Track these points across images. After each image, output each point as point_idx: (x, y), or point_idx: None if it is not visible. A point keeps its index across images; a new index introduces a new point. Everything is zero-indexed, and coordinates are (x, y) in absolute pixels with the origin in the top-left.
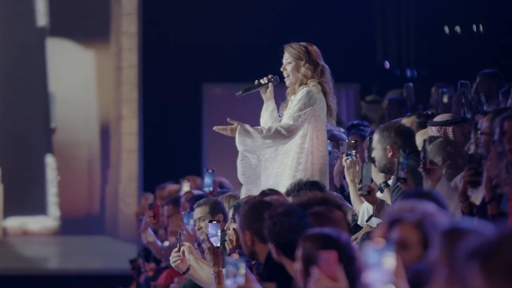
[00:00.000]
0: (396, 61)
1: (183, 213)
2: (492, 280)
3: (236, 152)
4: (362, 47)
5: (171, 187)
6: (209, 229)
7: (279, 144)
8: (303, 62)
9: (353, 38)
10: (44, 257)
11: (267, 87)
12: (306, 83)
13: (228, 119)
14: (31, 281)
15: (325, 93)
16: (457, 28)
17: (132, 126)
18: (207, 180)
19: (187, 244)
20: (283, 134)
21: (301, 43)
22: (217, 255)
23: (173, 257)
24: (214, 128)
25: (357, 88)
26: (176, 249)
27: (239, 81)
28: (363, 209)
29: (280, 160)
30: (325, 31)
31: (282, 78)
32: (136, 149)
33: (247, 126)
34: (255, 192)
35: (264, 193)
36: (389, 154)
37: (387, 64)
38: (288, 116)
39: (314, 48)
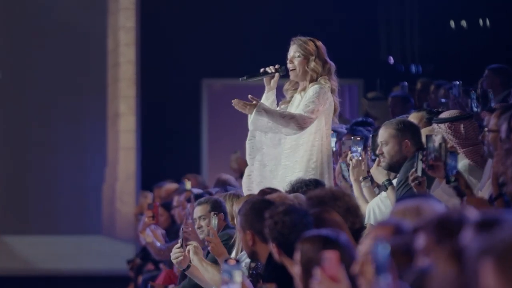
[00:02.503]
0: (400, 56)
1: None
2: (506, 277)
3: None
4: (365, 42)
5: (168, 186)
6: (214, 222)
7: (288, 131)
8: (313, 57)
9: (356, 33)
10: (39, 257)
11: (273, 77)
12: (316, 79)
13: (249, 96)
14: (25, 282)
15: (332, 91)
16: (463, 23)
17: (129, 123)
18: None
19: (194, 243)
20: (298, 123)
21: (309, 37)
22: (224, 252)
23: (175, 253)
24: (233, 102)
25: (361, 84)
26: (178, 245)
27: (239, 77)
28: (369, 209)
29: (288, 155)
30: (327, 25)
31: (287, 70)
32: (134, 147)
33: (266, 106)
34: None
35: (264, 192)
36: (405, 150)
37: (391, 60)
38: (303, 108)
39: (321, 44)
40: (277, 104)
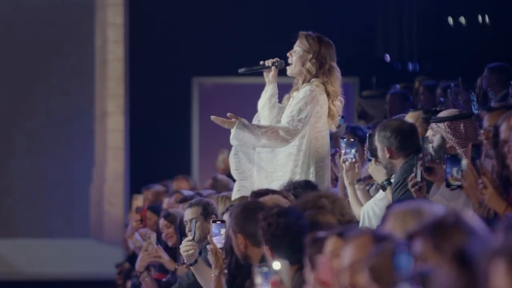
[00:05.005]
0: (397, 54)
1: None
2: None
3: (227, 149)
4: (361, 39)
5: (157, 188)
6: (212, 229)
7: (275, 146)
8: (310, 56)
9: (351, 30)
10: (25, 261)
11: (270, 70)
12: (309, 81)
13: (228, 114)
14: (10, 286)
15: (328, 94)
16: (462, 19)
17: (118, 123)
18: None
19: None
20: (281, 137)
21: (319, 35)
22: (219, 257)
23: (186, 246)
24: (212, 118)
25: (356, 82)
26: (190, 237)
27: (230, 75)
28: (363, 212)
29: (277, 160)
30: (322, 22)
31: (287, 63)
32: (122, 147)
33: (247, 122)
34: (249, 188)
35: (257, 194)
36: (387, 156)
37: (387, 57)
38: (287, 116)
39: (328, 45)
40: (280, 99)
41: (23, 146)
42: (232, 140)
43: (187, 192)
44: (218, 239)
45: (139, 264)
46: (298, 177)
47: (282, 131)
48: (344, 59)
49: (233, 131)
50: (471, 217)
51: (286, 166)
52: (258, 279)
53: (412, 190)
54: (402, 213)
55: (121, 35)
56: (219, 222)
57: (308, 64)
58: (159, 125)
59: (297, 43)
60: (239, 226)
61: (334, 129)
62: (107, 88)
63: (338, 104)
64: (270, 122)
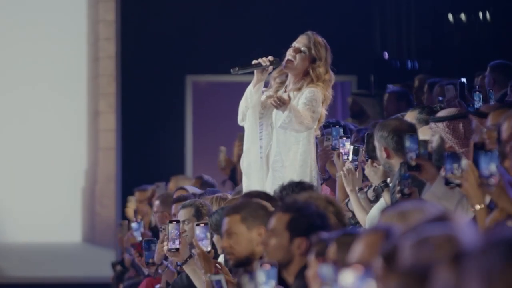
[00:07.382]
0: (396, 51)
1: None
2: None
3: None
4: (358, 36)
5: (153, 187)
6: (196, 232)
7: (299, 129)
8: (321, 62)
9: (349, 27)
10: (15, 264)
11: (266, 69)
12: (313, 84)
13: (284, 91)
14: None
15: (323, 102)
16: (462, 16)
17: (110, 122)
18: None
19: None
20: (307, 122)
21: (322, 38)
22: (209, 261)
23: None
24: (275, 97)
25: (354, 81)
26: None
27: (225, 73)
28: (372, 218)
29: (280, 156)
30: (319, 18)
31: (282, 60)
32: (114, 147)
33: (293, 103)
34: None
35: (250, 195)
36: (384, 156)
37: (386, 55)
38: (302, 107)
39: (329, 50)
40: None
41: (13, 147)
42: (278, 122)
43: (190, 189)
44: (205, 244)
45: (157, 257)
46: (303, 176)
47: (307, 115)
48: (342, 57)
49: (286, 112)
50: (462, 217)
51: (293, 164)
52: (262, 277)
53: (398, 197)
54: (390, 217)
55: (112, 32)
56: (203, 224)
57: (318, 70)
58: (152, 125)
59: (305, 42)
60: None
61: (319, 134)
62: (99, 86)
63: (324, 111)
64: (255, 118)
